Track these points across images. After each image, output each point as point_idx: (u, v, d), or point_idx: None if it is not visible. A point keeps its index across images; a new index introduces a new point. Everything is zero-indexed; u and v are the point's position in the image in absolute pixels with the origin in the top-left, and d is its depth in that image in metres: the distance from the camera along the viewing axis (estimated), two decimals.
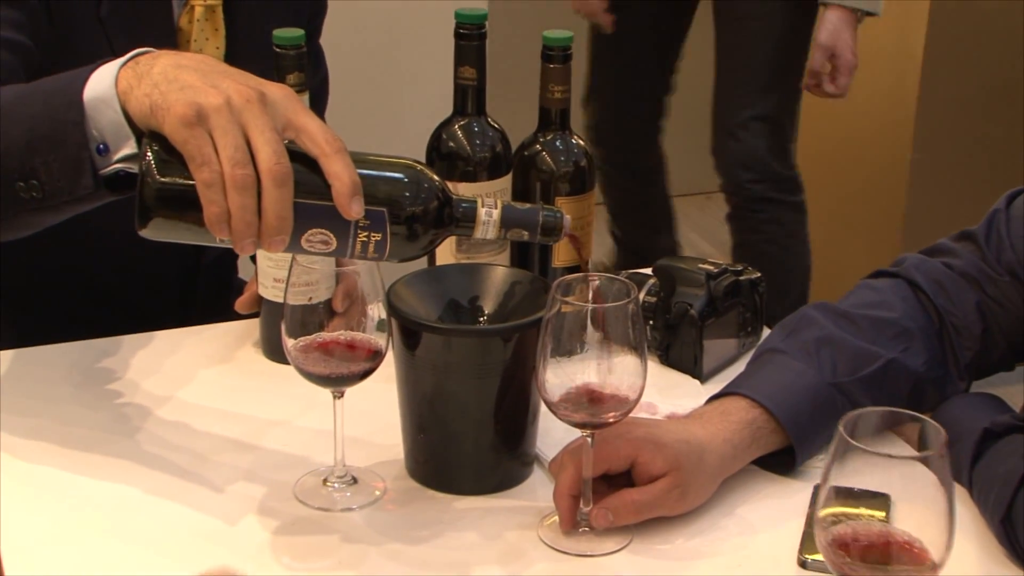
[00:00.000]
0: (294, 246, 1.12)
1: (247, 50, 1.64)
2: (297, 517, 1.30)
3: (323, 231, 1.12)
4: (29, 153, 1.18)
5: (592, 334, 1.19)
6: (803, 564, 1.24)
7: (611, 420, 1.21)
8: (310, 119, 1.09)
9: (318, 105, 1.82)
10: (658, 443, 1.25)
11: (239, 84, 1.08)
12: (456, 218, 1.16)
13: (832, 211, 3.48)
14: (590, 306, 1.19)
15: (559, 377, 1.21)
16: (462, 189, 1.49)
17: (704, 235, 4.11)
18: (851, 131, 3.39)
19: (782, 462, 1.36)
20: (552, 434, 1.38)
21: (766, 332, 1.60)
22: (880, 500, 1.32)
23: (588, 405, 1.21)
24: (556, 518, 1.27)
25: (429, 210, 1.15)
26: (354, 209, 1.09)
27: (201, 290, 1.71)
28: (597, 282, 1.22)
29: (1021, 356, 1.48)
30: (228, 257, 1.79)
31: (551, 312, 1.18)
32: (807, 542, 1.26)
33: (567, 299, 1.19)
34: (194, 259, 1.68)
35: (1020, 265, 1.44)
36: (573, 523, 1.24)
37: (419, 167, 1.15)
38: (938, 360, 1.43)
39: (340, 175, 1.08)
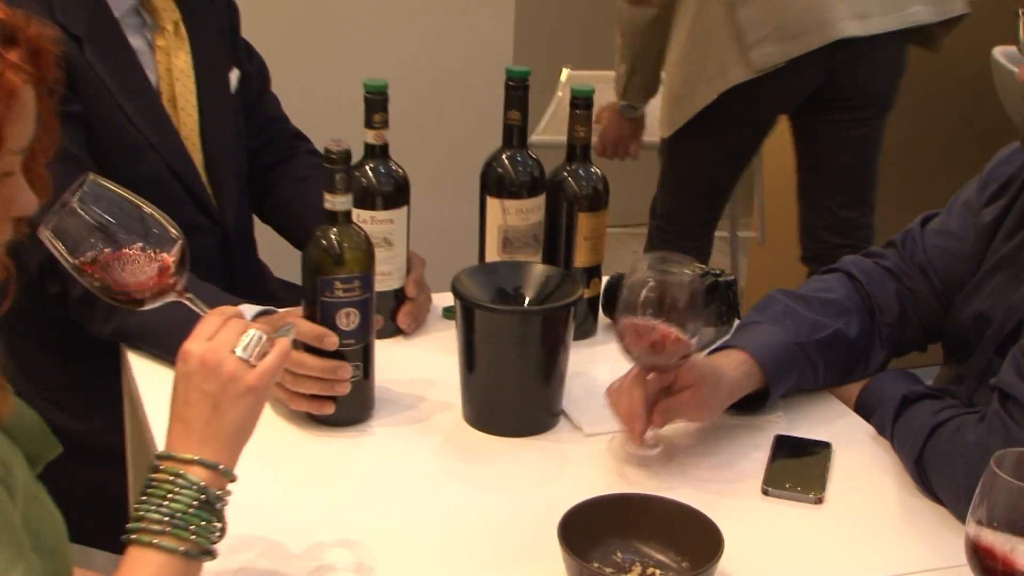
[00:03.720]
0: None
1: (203, 53, 1.79)
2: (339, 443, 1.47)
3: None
4: None
5: (665, 302, 1.38)
6: (765, 492, 1.41)
7: (672, 365, 1.42)
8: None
9: (257, 81, 1.95)
10: (690, 361, 1.44)
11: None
12: None
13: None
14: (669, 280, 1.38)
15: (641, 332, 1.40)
16: (508, 205, 1.66)
17: None
18: None
19: (753, 402, 1.55)
20: (573, 393, 1.55)
21: (737, 323, 1.73)
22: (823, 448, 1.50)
23: (652, 353, 1.40)
24: (618, 438, 1.46)
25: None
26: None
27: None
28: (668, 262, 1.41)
29: (931, 338, 1.66)
30: (256, 272, 1.94)
31: (646, 284, 1.38)
32: (769, 476, 1.43)
33: (667, 268, 1.38)
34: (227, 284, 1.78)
35: (928, 265, 1.64)
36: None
37: None
38: (867, 332, 1.62)
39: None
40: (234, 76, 1.88)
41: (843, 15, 2.50)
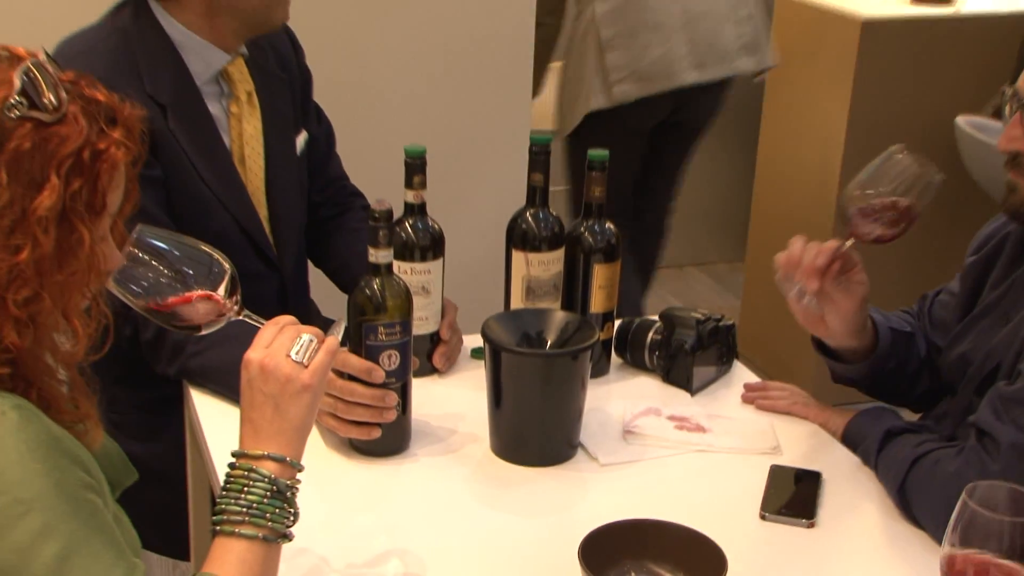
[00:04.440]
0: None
1: (273, 119, 1.88)
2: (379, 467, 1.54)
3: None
4: None
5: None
6: (762, 517, 1.48)
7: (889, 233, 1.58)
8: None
9: (324, 143, 2.04)
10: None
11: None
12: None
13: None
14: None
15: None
16: (532, 258, 1.74)
17: (679, 299, 4.22)
18: (791, 223, 3.53)
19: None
20: (589, 426, 1.63)
21: (736, 364, 1.84)
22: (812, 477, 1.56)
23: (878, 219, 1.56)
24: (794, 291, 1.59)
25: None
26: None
27: None
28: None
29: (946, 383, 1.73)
30: (305, 312, 2.00)
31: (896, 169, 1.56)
32: (765, 502, 1.50)
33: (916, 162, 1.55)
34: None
35: (928, 316, 1.77)
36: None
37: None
38: (926, 353, 1.75)
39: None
40: (301, 139, 1.96)
41: (686, 66, 3.08)
